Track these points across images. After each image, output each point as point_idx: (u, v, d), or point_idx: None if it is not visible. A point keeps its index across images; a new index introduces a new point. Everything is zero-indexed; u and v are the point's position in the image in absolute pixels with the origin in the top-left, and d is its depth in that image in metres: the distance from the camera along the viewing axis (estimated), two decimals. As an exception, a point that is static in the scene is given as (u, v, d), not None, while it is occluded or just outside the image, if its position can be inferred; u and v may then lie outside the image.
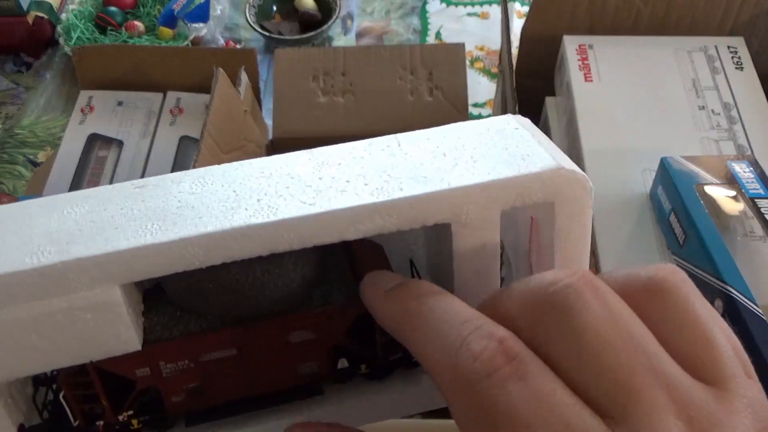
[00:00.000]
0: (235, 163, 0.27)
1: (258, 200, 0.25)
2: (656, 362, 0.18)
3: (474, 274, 0.26)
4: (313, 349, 0.28)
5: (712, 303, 0.41)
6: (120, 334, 0.25)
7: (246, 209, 0.24)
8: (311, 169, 0.26)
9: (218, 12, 0.91)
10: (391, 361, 0.29)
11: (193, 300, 0.27)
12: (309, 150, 0.27)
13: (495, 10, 0.98)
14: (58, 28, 0.90)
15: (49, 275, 0.23)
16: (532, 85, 0.66)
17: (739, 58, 0.60)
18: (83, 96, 0.74)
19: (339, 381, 0.29)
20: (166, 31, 0.88)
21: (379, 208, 0.24)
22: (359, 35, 0.96)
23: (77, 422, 0.27)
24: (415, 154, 0.27)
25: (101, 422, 0.27)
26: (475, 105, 0.86)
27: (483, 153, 0.26)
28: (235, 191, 0.26)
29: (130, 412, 0.27)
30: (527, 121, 0.28)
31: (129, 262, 0.23)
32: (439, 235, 0.27)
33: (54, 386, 0.28)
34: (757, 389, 0.19)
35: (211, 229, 0.24)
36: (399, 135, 0.28)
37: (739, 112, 0.56)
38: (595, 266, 0.49)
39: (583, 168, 0.54)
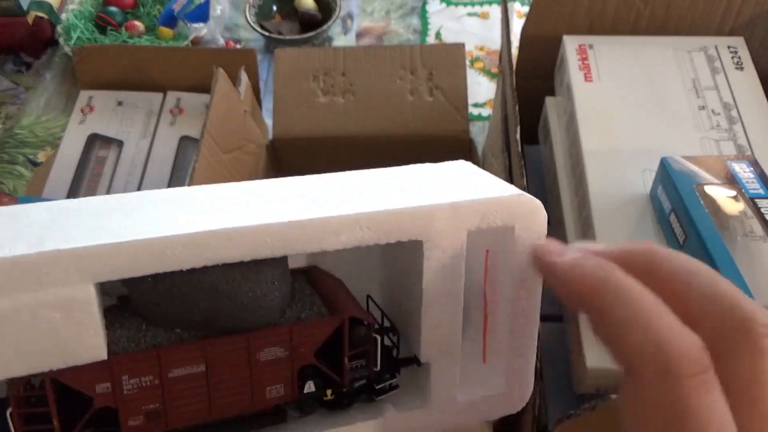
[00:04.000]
0: (218, 184, 0.28)
1: (241, 209, 0.25)
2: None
3: (442, 294, 0.28)
4: (281, 369, 0.27)
5: None
6: (87, 339, 0.23)
7: (229, 215, 0.24)
8: (292, 189, 0.27)
9: (218, 12, 0.91)
10: (355, 388, 0.29)
11: (167, 306, 0.26)
12: (286, 178, 0.29)
13: (495, 10, 0.98)
14: (58, 28, 0.90)
15: (20, 267, 0.22)
16: (532, 85, 0.66)
17: (739, 58, 0.60)
18: (83, 96, 0.74)
19: (303, 410, 0.29)
20: (166, 31, 0.88)
21: (360, 219, 0.25)
22: (359, 35, 0.96)
23: None
24: (389, 181, 0.29)
25: None
26: (475, 105, 0.86)
27: (451, 182, 0.29)
28: (217, 202, 0.26)
29: None
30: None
31: (108, 258, 0.22)
32: (406, 257, 0.28)
33: None
34: None
35: (194, 229, 0.23)
36: (370, 170, 0.31)
37: (739, 112, 0.56)
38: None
39: (583, 168, 0.54)
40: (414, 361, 0.30)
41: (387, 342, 0.30)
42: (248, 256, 0.24)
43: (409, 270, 0.28)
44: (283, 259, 0.27)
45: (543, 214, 0.28)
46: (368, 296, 0.32)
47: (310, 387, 0.28)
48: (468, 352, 0.30)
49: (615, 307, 0.22)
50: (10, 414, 0.24)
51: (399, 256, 0.28)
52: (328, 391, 0.29)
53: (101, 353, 0.24)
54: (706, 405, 0.19)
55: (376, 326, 0.29)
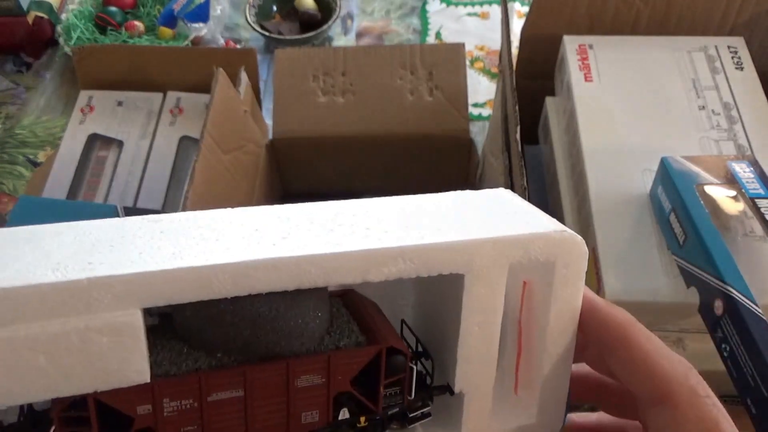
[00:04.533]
0: (247, 208, 0.28)
1: (283, 238, 0.26)
2: None
3: (478, 327, 0.28)
4: (317, 396, 0.28)
5: (712, 303, 0.41)
6: (132, 363, 0.24)
7: (273, 244, 0.25)
8: (328, 217, 0.28)
9: (218, 12, 0.91)
10: (389, 415, 0.29)
11: (211, 332, 0.26)
12: (319, 203, 0.29)
13: (495, 10, 0.98)
14: (58, 28, 0.90)
15: (73, 291, 0.22)
16: (532, 85, 0.67)
17: (739, 58, 0.60)
18: (83, 96, 0.74)
19: None
20: (166, 31, 0.88)
21: (405, 252, 0.25)
22: (359, 35, 0.96)
23: None
24: (429, 209, 0.29)
25: None
26: (475, 105, 0.86)
27: (493, 212, 0.29)
28: (256, 229, 0.26)
29: None
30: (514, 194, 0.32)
31: (156, 285, 0.23)
32: (443, 286, 0.28)
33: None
34: None
35: (240, 259, 0.24)
36: (407, 197, 0.31)
37: (739, 112, 0.56)
38: (594, 264, 0.49)
39: (583, 168, 0.54)
40: (447, 389, 0.30)
41: (420, 368, 0.30)
42: (292, 286, 0.25)
43: (447, 300, 0.28)
44: (324, 288, 0.27)
45: (584, 251, 0.28)
46: (403, 321, 0.32)
47: (344, 414, 0.28)
48: (500, 383, 0.30)
49: (648, 340, 0.26)
50: None
51: (435, 283, 0.28)
52: (362, 419, 0.29)
53: (145, 377, 0.24)
54: (724, 414, 0.24)
55: (411, 354, 0.29)
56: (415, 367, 0.29)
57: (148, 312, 0.26)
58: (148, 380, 0.24)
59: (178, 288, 0.23)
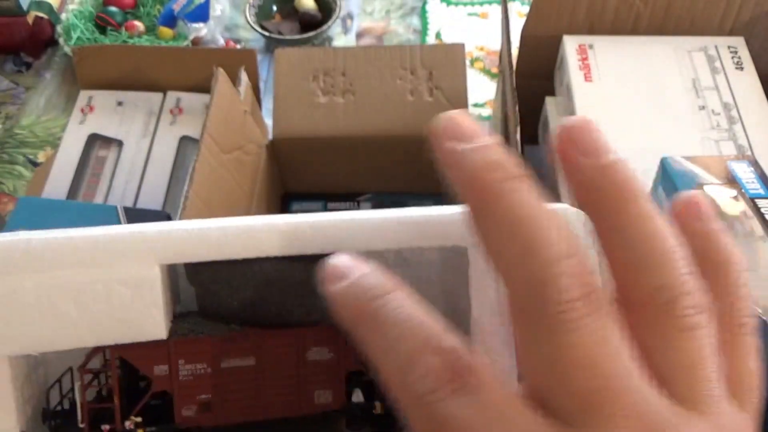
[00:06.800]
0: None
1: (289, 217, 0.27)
2: (623, 379, 0.18)
3: (489, 298, 0.28)
4: (328, 372, 0.28)
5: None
6: (151, 317, 0.26)
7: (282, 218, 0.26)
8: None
9: (218, 12, 0.91)
10: None
11: (224, 295, 0.28)
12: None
13: (495, 10, 0.98)
14: (58, 28, 0.90)
15: (101, 243, 0.24)
16: (532, 85, 0.66)
17: (739, 58, 0.60)
18: (83, 96, 0.74)
19: (350, 425, 0.29)
20: (166, 31, 0.88)
21: (402, 220, 0.26)
22: (359, 35, 0.96)
23: (83, 424, 0.27)
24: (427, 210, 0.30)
25: (107, 427, 0.27)
26: (475, 105, 0.86)
27: None
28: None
29: (139, 419, 0.27)
30: None
31: (175, 242, 0.25)
32: (455, 263, 0.29)
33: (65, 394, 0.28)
34: (736, 416, 0.19)
35: (251, 222, 0.25)
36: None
37: (739, 112, 0.56)
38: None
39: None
40: None
41: None
42: (298, 251, 0.26)
43: (459, 279, 0.29)
44: None
45: (583, 221, 0.28)
46: None
47: (358, 396, 0.29)
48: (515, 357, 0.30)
49: (368, 338, 0.20)
50: (79, 387, 0.27)
51: (454, 267, 0.28)
52: (378, 404, 0.29)
53: (162, 333, 0.26)
54: (468, 409, 0.18)
55: None
56: None
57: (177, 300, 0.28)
58: (165, 336, 0.26)
59: (195, 246, 0.25)
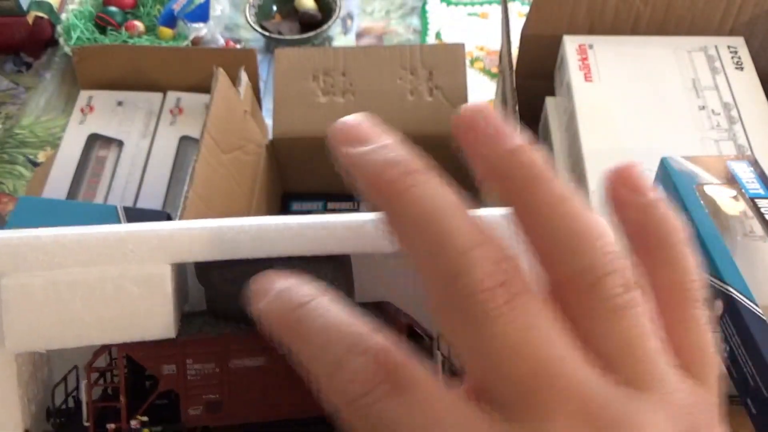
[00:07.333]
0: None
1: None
2: (558, 363, 0.17)
3: None
4: None
5: (711, 303, 0.41)
6: (159, 316, 0.25)
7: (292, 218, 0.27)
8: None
9: (218, 12, 0.91)
10: None
11: (232, 295, 0.28)
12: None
13: (495, 10, 0.98)
14: (58, 28, 0.90)
15: (111, 241, 0.24)
16: (532, 85, 0.66)
17: (739, 58, 0.60)
18: (83, 96, 0.74)
19: None
20: (166, 31, 0.88)
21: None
22: (359, 35, 0.96)
23: (89, 423, 0.27)
24: None
25: (112, 425, 0.27)
26: (475, 105, 0.86)
27: None
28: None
29: (145, 419, 0.27)
30: None
31: (185, 241, 0.25)
32: None
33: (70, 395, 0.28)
34: (692, 391, 0.18)
35: (261, 222, 0.26)
36: None
37: (739, 112, 0.56)
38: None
39: (583, 168, 0.54)
40: None
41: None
42: (307, 250, 0.26)
43: None
44: (346, 263, 0.28)
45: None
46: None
47: None
48: None
49: (295, 347, 0.19)
50: (85, 386, 0.27)
51: None
52: None
53: (170, 332, 0.26)
54: (401, 409, 0.17)
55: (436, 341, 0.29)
56: (440, 354, 0.28)
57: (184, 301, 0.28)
58: (173, 335, 0.26)
59: (205, 245, 0.25)
